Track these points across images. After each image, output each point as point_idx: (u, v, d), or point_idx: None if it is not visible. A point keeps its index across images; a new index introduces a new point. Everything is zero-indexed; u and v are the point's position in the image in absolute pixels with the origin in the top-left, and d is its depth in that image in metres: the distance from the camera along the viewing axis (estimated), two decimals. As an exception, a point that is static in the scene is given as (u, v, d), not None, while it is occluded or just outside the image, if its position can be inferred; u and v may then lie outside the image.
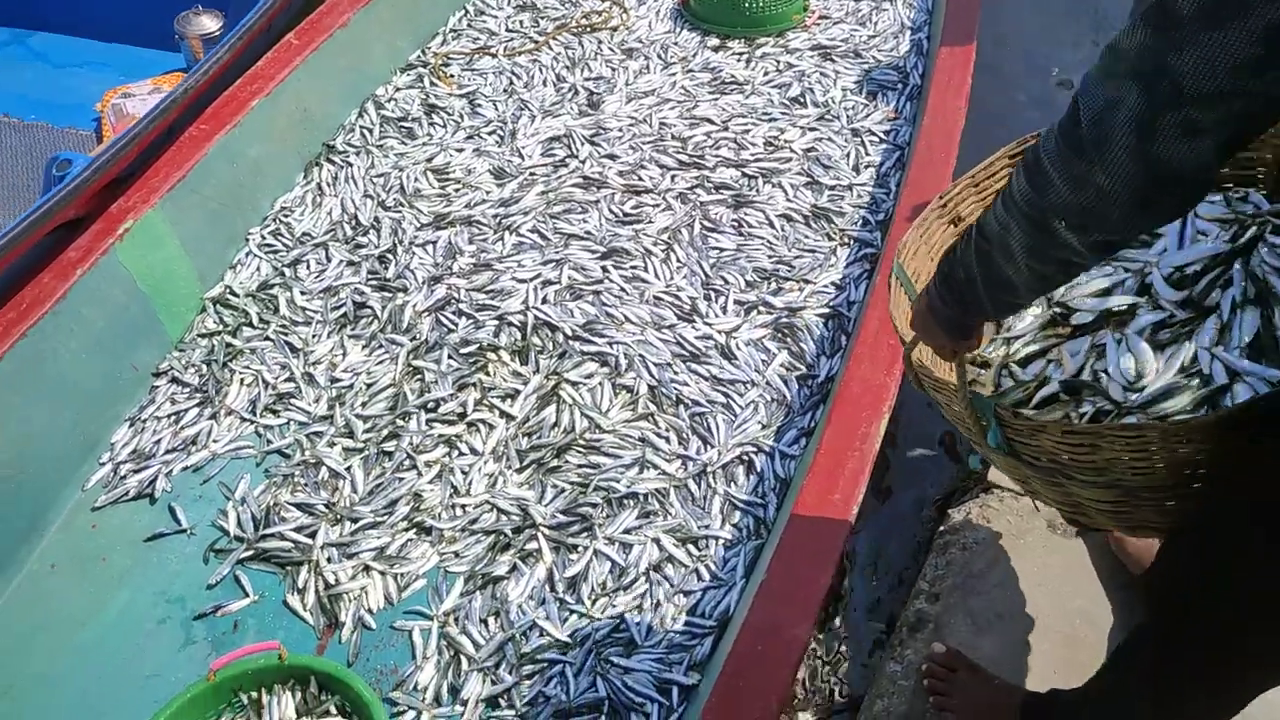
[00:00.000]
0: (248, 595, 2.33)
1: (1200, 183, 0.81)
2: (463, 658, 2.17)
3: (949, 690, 1.66)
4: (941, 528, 2.43)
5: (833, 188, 3.20)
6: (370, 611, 2.28)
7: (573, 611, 2.22)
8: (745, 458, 2.48)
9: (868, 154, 3.32)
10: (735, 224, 3.09)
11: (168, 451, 2.65)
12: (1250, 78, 0.71)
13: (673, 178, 3.25)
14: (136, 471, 2.60)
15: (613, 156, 3.34)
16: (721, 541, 2.31)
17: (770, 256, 2.98)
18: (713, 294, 2.88)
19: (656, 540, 2.31)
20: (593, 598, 2.24)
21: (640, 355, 2.69)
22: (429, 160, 3.43)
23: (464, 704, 2.09)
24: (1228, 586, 1.06)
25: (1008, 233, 0.94)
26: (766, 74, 3.68)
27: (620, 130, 3.46)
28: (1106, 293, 1.53)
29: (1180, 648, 1.16)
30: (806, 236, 3.05)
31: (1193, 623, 1.13)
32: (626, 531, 2.33)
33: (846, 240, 3.03)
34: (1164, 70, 0.74)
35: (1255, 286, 1.36)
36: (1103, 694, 1.37)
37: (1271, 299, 1.34)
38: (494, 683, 2.12)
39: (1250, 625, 1.05)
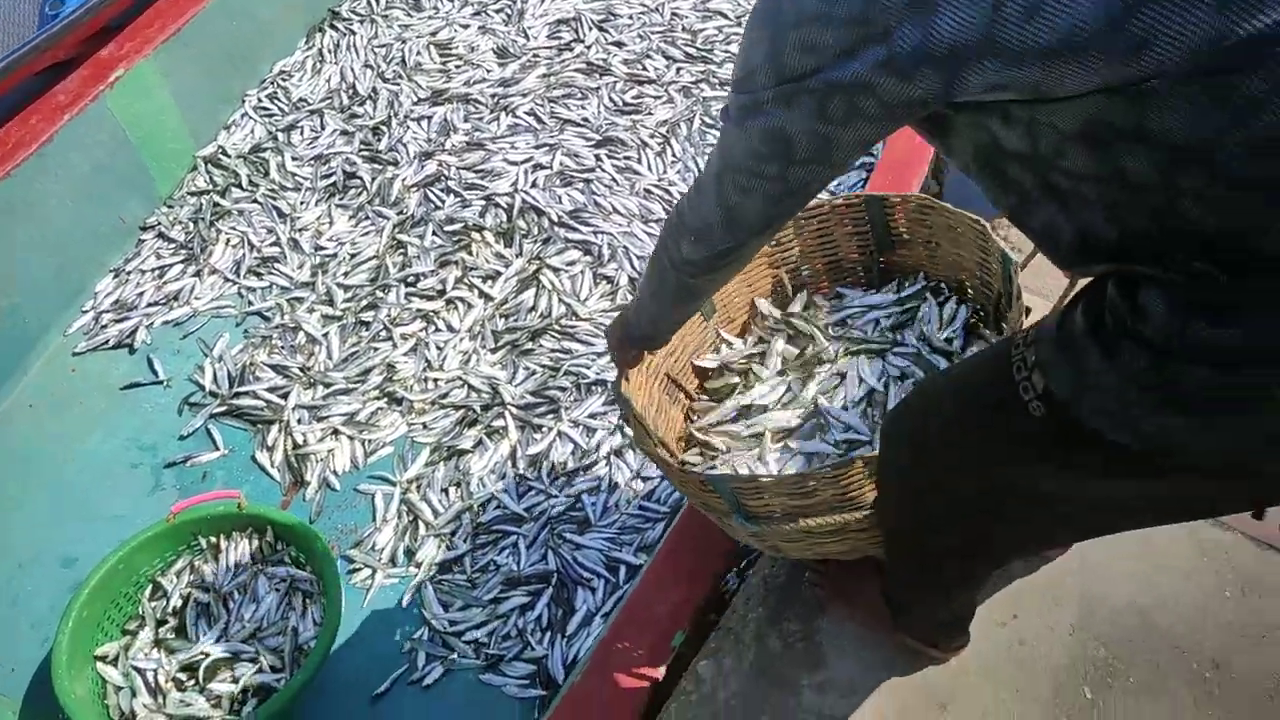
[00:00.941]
0: (218, 448, 2.38)
1: (763, 224, 1.09)
2: (421, 523, 2.22)
3: (820, 566, 1.72)
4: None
5: (841, 93, 3.11)
6: (336, 473, 2.32)
7: (531, 488, 2.25)
8: (718, 355, 2.48)
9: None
10: (736, 122, 3.02)
11: (150, 305, 2.68)
12: (761, 164, 0.99)
13: (678, 70, 3.16)
14: (118, 321, 2.64)
15: (619, 44, 3.26)
16: (685, 434, 2.33)
17: (768, 158, 2.92)
18: (705, 191, 2.83)
19: (620, 427, 2.33)
20: (552, 476, 2.27)
21: (625, 247, 2.67)
22: (433, 34, 3.35)
23: (418, 566, 2.15)
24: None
25: (665, 250, 1.22)
26: (788, -30, 3.55)
27: (630, 18, 3.36)
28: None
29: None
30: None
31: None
32: (592, 416, 2.35)
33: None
34: (722, 145, 1.04)
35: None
36: (888, 549, 1.50)
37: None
38: (449, 549, 2.18)
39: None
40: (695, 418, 1.84)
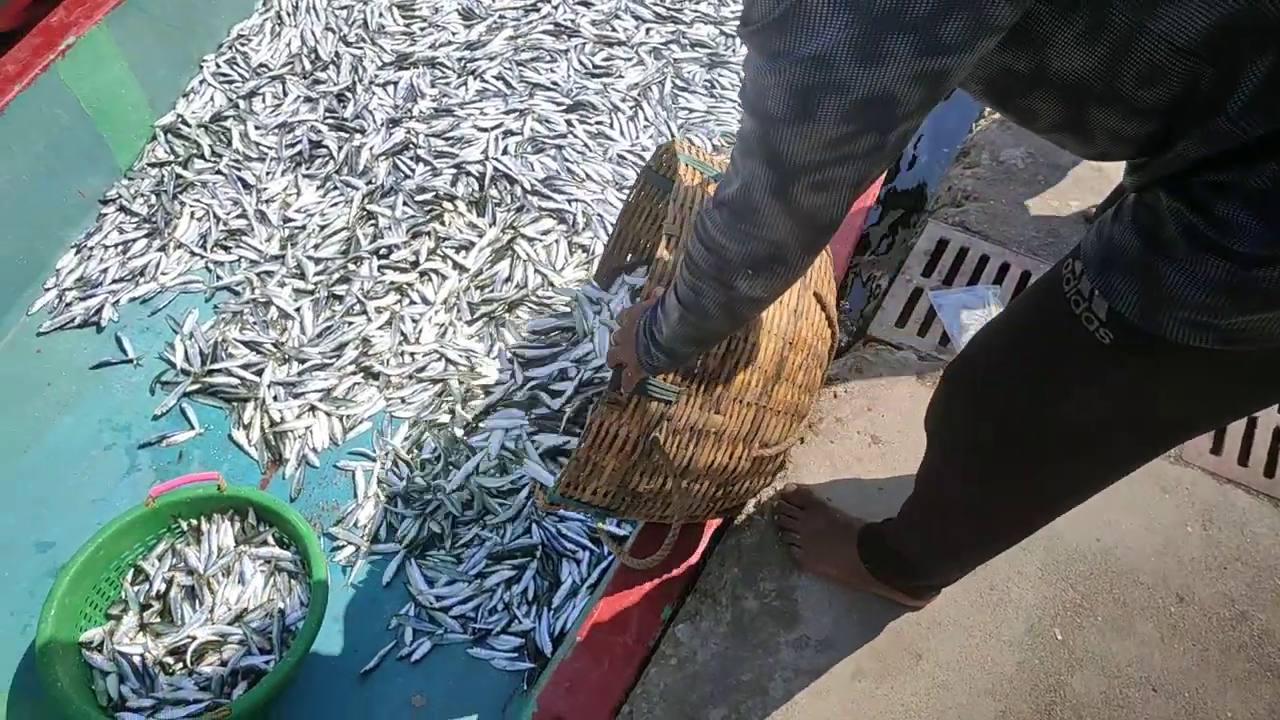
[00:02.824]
0: (193, 427, 2.35)
1: (846, 209, 0.93)
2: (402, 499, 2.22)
3: (795, 525, 1.77)
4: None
5: (812, 53, 3.08)
6: (314, 450, 2.31)
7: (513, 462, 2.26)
8: (695, 323, 2.48)
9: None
10: (708, 85, 2.99)
11: (115, 281, 2.62)
12: (843, 146, 0.84)
13: (648, 31, 3.12)
14: (83, 299, 2.58)
15: (587, 4, 3.19)
16: (664, 403, 2.33)
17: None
18: (678, 156, 2.81)
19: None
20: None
21: (599, 215, 2.65)
22: (395, -6, 3.26)
23: (400, 542, 2.15)
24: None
25: (700, 295, 1.08)
26: (756, -75, 3.48)
27: (597, -24, 3.29)
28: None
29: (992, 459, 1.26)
30: (780, 103, 2.96)
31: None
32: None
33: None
34: (778, 152, 0.86)
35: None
36: (926, 502, 1.48)
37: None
38: (432, 524, 2.18)
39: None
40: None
